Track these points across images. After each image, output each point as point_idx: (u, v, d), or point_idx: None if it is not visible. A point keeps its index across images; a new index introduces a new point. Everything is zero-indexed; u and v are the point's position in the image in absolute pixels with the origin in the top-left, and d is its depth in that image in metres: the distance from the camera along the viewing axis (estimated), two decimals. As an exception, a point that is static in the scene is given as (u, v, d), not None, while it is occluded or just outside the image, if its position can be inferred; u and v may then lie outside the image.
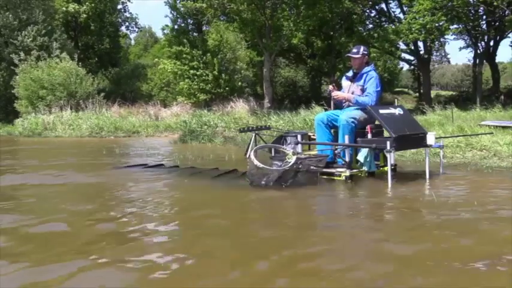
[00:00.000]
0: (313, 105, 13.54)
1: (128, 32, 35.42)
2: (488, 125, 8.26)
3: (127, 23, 33.09)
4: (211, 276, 2.15)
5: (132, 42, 42.95)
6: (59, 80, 18.65)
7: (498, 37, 22.63)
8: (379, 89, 4.98)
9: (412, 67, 31.27)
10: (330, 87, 5.27)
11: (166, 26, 22.07)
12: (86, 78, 19.73)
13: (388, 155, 4.39)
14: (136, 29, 34.89)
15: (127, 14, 32.84)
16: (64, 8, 27.06)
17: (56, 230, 3.05)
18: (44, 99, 18.54)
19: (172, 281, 2.11)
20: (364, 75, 5.00)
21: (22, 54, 20.23)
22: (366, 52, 5.09)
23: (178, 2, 20.82)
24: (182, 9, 20.11)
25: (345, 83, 5.24)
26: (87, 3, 28.11)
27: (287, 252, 2.43)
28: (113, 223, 3.19)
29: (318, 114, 5.44)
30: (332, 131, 5.08)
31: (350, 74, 5.20)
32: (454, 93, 34.62)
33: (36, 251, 2.56)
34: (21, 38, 22.45)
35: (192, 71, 20.57)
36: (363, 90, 4.98)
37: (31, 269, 2.27)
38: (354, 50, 5.12)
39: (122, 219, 3.30)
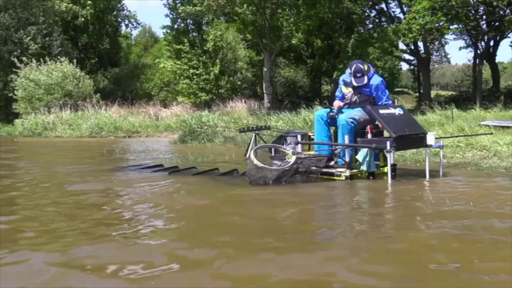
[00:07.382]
0: (314, 104, 13.49)
1: (128, 30, 35.35)
2: (488, 125, 8.25)
3: (126, 21, 33.08)
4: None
5: (133, 42, 42.84)
6: (54, 80, 18.64)
7: (498, 37, 22.64)
8: (387, 91, 5.07)
9: (412, 67, 31.28)
10: (331, 113, 5.04)
11: (166, 25, 22.07)
12: (83, 79, 19.73)
13: (388, 155, 4.39)
14: (136, 25, 34.71)
15: (125, 12, 32.85)
16: (64, 7, 26.85)
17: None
18: (41, 100, 18.53)
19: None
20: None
21: (25, 59, 20.16)
22: (362, 65, 4.92)
23: (178, 3, 20.80)
24: (182, 14, 20.09)
25: (345, 89, 5.13)
26: (87, 7, 28.01)
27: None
28: (114, 225, 3.19)
29: (318, 110, 5.42)
30: (332, 130, 5.07)
31: (348, 79, 5.05)
32: (454, 93, 34.61)
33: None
34: (20, 36, 22.35)
35: (191, 71, 20.57)
36: (370, 96, 4.97)
37: None
38: (359, 75, 4.85)
39: (122, 221, 3.29)
